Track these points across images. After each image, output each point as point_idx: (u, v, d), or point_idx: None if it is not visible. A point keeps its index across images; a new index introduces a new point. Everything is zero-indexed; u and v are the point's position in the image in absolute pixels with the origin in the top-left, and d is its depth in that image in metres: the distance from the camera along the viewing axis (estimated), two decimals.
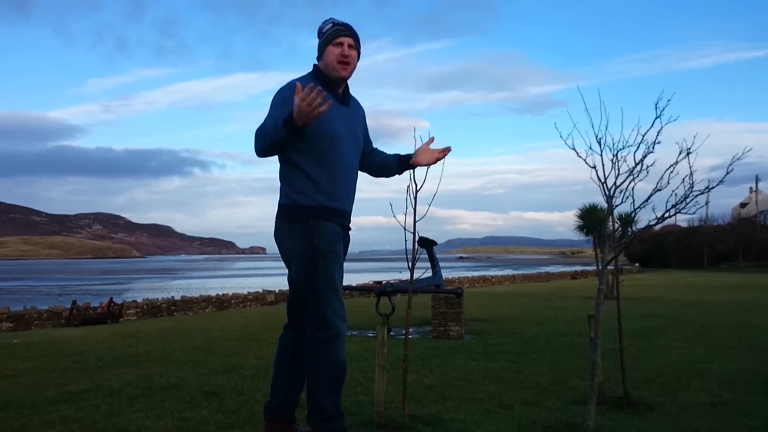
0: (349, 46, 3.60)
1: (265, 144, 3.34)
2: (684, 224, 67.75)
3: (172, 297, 23.66)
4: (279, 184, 3.71)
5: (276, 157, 3.64)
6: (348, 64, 3.60)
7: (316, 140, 3.49)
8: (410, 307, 4.77)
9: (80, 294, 38.61)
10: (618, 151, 4.06)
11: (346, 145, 3.63)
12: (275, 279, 45.04)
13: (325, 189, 3.54)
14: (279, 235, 3.64)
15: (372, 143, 4.05)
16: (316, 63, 3.69)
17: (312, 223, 3.50)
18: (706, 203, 5.20)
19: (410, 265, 4.76)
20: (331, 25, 3.64)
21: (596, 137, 4.15)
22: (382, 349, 4.31)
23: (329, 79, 3.62)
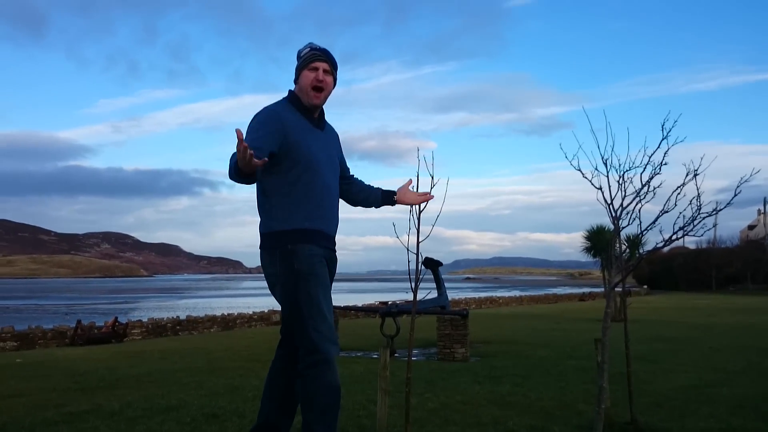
0: (324, 71, 3.58)
1: (235, 179, 3.27)
2: (692, 246, 67.37)
3: (177, 316, 23.57)
4: None
5: None
6: (322, 90, 3.58)
7: (293, 164, 3.47)
8: (413, 329, 4.70)
9: (87, 313, 38.59)
10: (624, 173, 4.02)
11: (324, 168, 3.60)
12: None
13: (302, 212, 3.49)
14: (263, 263, 3.61)
15: (349, 169, 4.03)
16: (291, 88, 3.68)
17: (290, 247, 3.45)
18: (714, 225, 5.14)
19: (414, 286, 4.70)
20: (308, 49, 3.62)
21: (602, 158, 4.11)
22: (385, 372, 4.24)
23: (303, 103, 3.61)
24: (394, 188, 4.02)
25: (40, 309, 49.90)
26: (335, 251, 3.73)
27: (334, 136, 3.88)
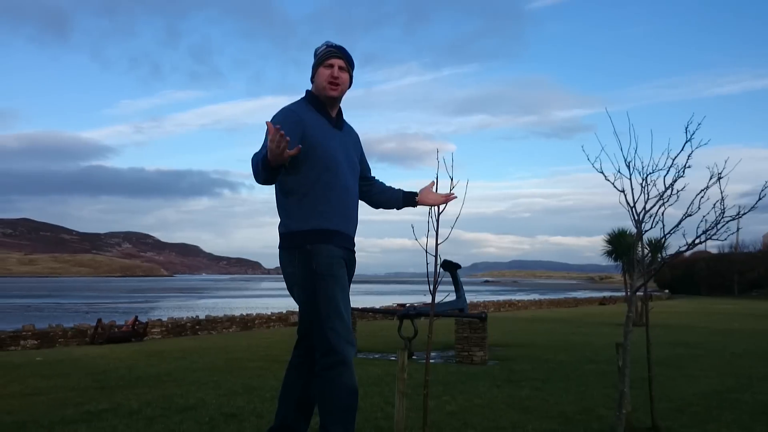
0: (340, 68, 3.57)
1: (258, 178, 3.26)
2: (714, 251, 66.71)
3: (197, 316, 23.70)
4: None
5: None
6: (337, 85, 3.57)
7: (312, 164, 3.46)
8: (432, 332, 4.67)
9: (107, 312, 38.89)
10: (647, 175, 3.96)
11: (342, 168, 3.57)
12: None
13: (321, 212, 3.47)
14: (282, 264, 3.59)
15: (370, 170, 4.00)
16: (309, 89, 3.67)
17: (309, 247, 3.44)
18: (737, 230, 5.05)
19: (431, 289, 4.68)
20: (324, 47, 3.62)
21: (625, 161, 4.06)
22: (402, 375, 4.21)
23: (321, 102, 3.60)
24: (416, 189, 3.98)
25: (60, 308, 50.36)
26: (354, 252, 3.71)
27: (354, 136, 3.85)
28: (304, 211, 3.47)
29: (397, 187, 4.00)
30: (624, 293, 29.75)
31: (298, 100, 3.64)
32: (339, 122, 3.71)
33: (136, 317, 20.75)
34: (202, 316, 23.65)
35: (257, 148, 3.43)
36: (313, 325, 3.47)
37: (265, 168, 3.16)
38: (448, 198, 3.84)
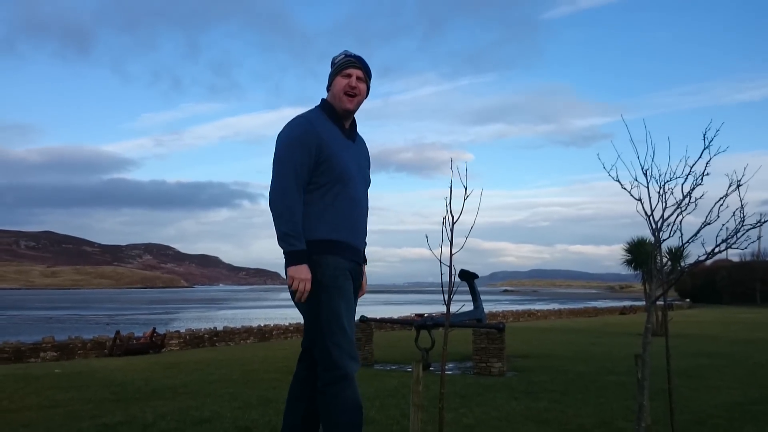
0: (358, 78, 3.52)
1: (279, 223, 3.31)
2: (735, 259, 65.90)
3: (215, 327, 23.75)
4: None
5: None
6: (354, 96, 3.52)
7: (324, 175, 3.41)
8: (446, 343, 4.61)
9: (127, 323, 39.12)
10: (665, 183, 3.89)
11: (354, 180, 3.52)
12: None
13: (330, 223, 3.42)
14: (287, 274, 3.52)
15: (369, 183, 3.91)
16: (324, 97, 3.62)
17: (315, 257, 3.37)
18: (759, 238, 4.97)
19: (446, 299, 4.63)
20: (343, 56, 3.57)
21: (642, 169, 3.99)
22: (417, 387, 4.16)
23: (336, 112, 3.55)
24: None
25: (81, 319, 50.73)
26: (361, 265, 3.64)
27: (364, 148, 3.79)
28: (313, 221, 3.40)
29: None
30: (644, 302, 29.47)
31: (314, 109, 3.59)
32: (352, 133, 3.66)
33: (154, 329, 20.84)
34: (220, 328, 23.70)
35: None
36: (316, 338, 3.40)
37: (280, 243, 3.30)
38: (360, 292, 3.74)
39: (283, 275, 3.60)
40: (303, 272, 3.27)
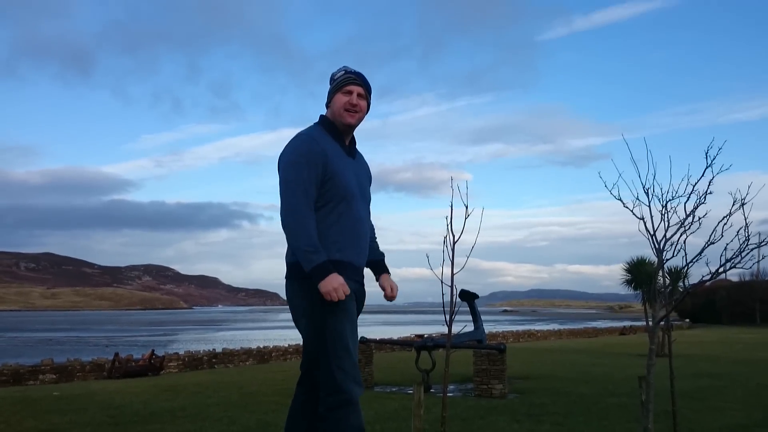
0: (359, 95, 3.46)
1: (306, 259, 3.23)
2: (735, 279, 65.68)
3: (213, 349, 23.63)
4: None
5: None
6: (355, 113, 3.47)
7: (327, 193, 3.35)
8: (449, 365, 4.56)
9: (127, 345, 38.93)
10: (667, 202, 3.86)
11: (357, 198, 3.46)
12: None
13: (333, 242, 3.34)
14: (288, 294, 3.45)
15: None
16: (323, 114, 3.56)
17: None
18: (762, 258, 4.92)
19: (448, 319, 4.59)
20: (343, 72, 3.51)
21: (644, 187, 3.96)
22: (419, 411, 4.10)
23: (337, 129, 3.49)
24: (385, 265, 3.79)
25: (81, 341, 50.52)
26: (364, 285, 3.57)
27: (365, 165, 3.73)
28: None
29: (378, 246, 3.81)
30: (644, 323, 29.32)
31: (313, 126, 3.53)
32: (352, 150, 3.60)
33: (153, 351, 20.73)
34: (219, 350, 23.57)
35: (276, 178, 3.37)
36: (319, 362, 3.31)
37: (301, 263, 3.24)
38: (390, 294, 3.68)
39: (283, 296, 3.54)
40: (335, 281, 3.19)
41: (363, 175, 3.64)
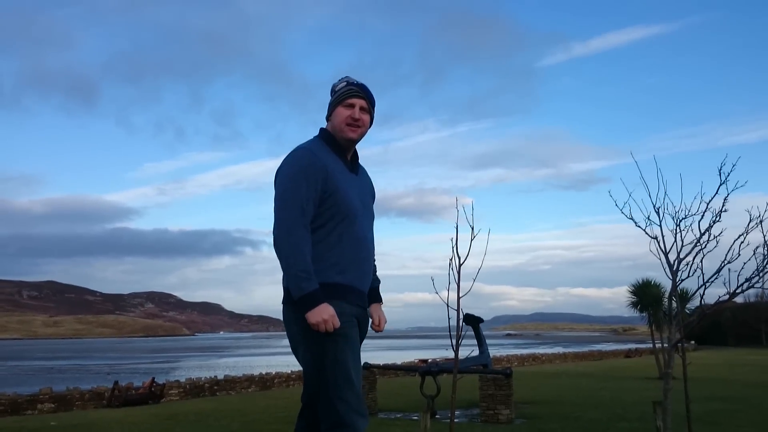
0: (361, 108, 3.22)
1: (288, 268, 3.01)
2: (740, 300, 65.42)
3: (215, 376, 23.39)
4: None
5: None
6: (358, 127, 3.22)
7: (329, 212, 3.10)
8: (455, 391, 4.41)
9: (128, 373, 38.65)
10: (680, 221, 3.73)
11: (360, 217, 3.21)
12: None
13: (334, 264, 3.09)
14: (285, 321, 3.17)
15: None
16: (323, 127, 3.32)
17: None
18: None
19: (454, 344, 4.45)
20: (344, 83, 3.27)
21: (654, 206, 3.84)
22: None
23: (338, 143, 3.25)
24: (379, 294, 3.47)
25: (83, 369, 50.25)
26: (366, 309, 3.29)
27: (368, 181, 3.46)
28: (316, 262, 3.05)
29: (375, 273, 3.46)
30: (650, 345, 28.94)
31: (313, 139, 3.29)
32: (354, 165, 3.33)
33: (153, 379, 20.49)
34: (220, 376, 23.34)
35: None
36: (320, 393, 3.04)
37: (290, 288, 3.00)
38: (377, 326, 3.37)
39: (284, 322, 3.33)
40: (325, 312, 2.93)
41: (366, 191, 3.38)
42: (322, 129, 3.32)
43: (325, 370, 3.01)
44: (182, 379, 22.28)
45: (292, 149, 3.25)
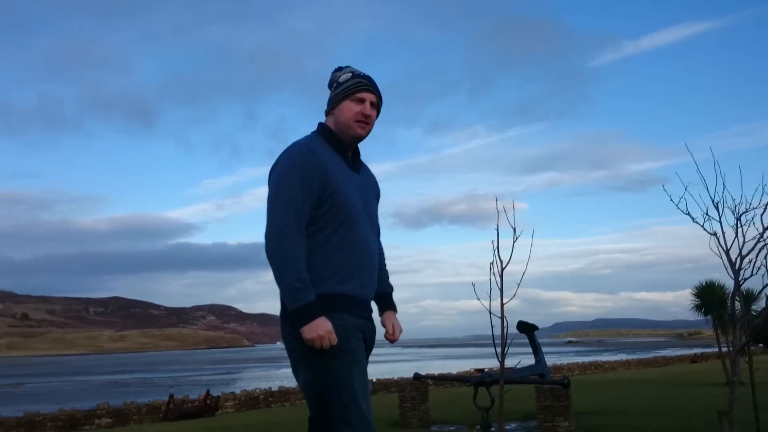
0: (372, 104, 2.91)
1: (280, 276, 2.69)
2: None
3: (269, 388, 23.40)
4: None
5: None
6: (367, 124, 2.91)
7: (327, 215, 2.77)
8: (502, 405, 4.14)
9: (191, 385, 39.16)
10: (741, 215, 3.39)
11: (362, 220, 2.86)
12: (375, 366, 44.36)
13: (336, 273, 2.76)
14: (284, 336, 2.81)
15: (379, 231, 3.11)
16: (322, 121, 3.00)
17: None
18: None
19: (501, 354, 4.19)
20: (350, 74, 2.92)
21: (712, 201, 3.51)
22: None
23: (340, 140, 2.92)
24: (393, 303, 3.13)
25: (147, 382, 51.12)
26: (372, 320, 2.94)
27: (372, 180, 3.12)
28: (314, 271, 2.73)
29: (387, 277, 3.14)
30: (716, 349, 27.87)
31: (311, 135, 2.97)
32: (356, 164, 3.01)
33: (208, 391, 20.56)
34: (275, 388, 23.34)
35: None
36: (323, 417, 2.68)
37: (285, 300, 2.70)
38: (391, 336, 3.01)
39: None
40: (321, 327, 2.60)
41: (369, 192, 3.04)
42: (320, 124, 3.00)
43: (330, 390, 2.67)
44: (237, 391, 22.34)
45: (289, 145, 2.91)
